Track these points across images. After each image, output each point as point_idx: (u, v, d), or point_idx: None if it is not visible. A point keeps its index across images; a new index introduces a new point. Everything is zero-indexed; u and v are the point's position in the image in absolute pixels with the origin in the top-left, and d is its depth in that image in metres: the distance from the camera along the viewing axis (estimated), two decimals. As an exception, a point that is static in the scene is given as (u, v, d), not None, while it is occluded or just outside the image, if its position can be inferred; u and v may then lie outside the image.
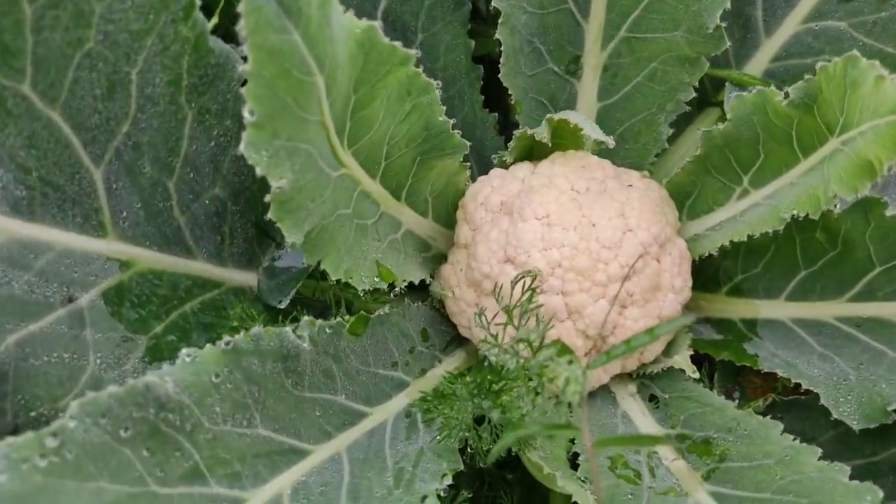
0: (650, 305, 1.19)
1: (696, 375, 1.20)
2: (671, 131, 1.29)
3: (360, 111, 0.98)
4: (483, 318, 1.06)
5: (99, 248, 1.02)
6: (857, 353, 1.18)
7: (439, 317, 1.27)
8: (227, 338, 0.93)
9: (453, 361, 1.23)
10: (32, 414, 0.93)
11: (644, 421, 1.20)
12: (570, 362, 0.76)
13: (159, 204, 1.04)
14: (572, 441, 1.14)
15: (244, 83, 0.81)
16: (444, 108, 1.08)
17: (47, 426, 0.79)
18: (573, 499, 0.99)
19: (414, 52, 0.95)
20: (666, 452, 1.12)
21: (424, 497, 0.97)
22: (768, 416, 1.14)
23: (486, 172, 1.25)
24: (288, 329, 0.99)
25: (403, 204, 1.17)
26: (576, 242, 1.14)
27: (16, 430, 0.93)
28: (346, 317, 1.10)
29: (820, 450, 1.06)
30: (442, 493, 0.99)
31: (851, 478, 1.02)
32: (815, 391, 1.16)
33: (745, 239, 1.17)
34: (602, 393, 1.26)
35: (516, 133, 1.21)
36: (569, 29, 1.25)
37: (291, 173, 0.90)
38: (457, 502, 1.07)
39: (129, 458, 0.83)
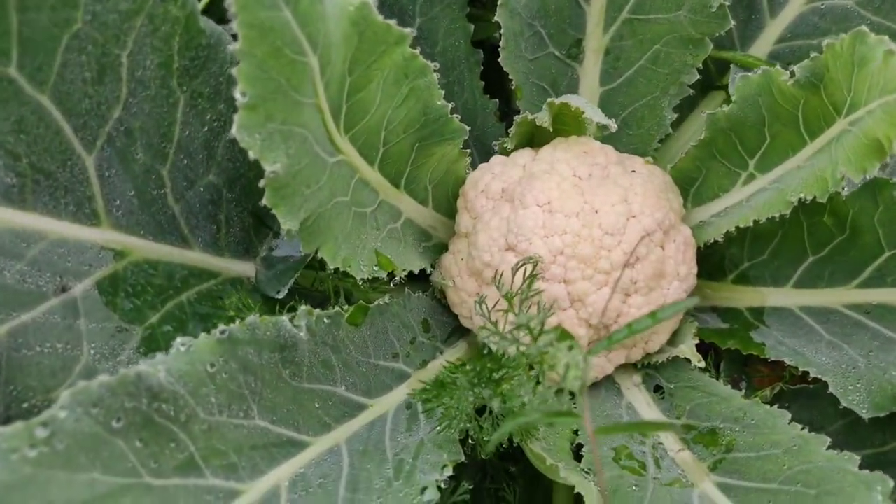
0: (654, 293, 1.17)
1: (702, 364, 1.18)
2: (675, 116, 1.27)
3: (355, 94, 0.97)
4: (483, 306, 1.04)
5: (93, 238, 1.00)
6: (866, 341, 1.16)
7: (440, 307, 1.26)
8: (222, 326, 0.91)
9: (455, 352, 1.22)
10: (25, 405, 0.92)
11: (649, 411, 1.18)
12: (571, 348, 0.74)
13: (153, 192, 1.02)
14: (576, 432, 1.12)
15: (237, 64, 0.79)
16: (443, 92, 1.07)
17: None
18: (576, 490, 0.97)
19: (410, 32, 0.93)
20: (671, 443, 1.11)
21: (424, 488, 0.96)
22: (775, 406, 1.13)
23: (487, 160, 1.24)
24: (285, 318, 0.98)
25: (403, 192, 1.15)
26: (578, 229, 1.12)
27: (7, 422, 0.91)
28: (345, 307, 1.09)
29: (829, 439, 1.04)
30: (442, 485, 0.98)
31: (861, 467, 1.00)
32: (823, 379, 1.14)
33: (752, 224, 1.15)
34: (606, 384, 1.24)
35: (517, 118, 1.20)
36: (570, 11, 1.23)
37: (286, 157, 0.88)
38: (457, 494, 1.05)
39: (122, 449, 0.81)
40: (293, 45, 0.81)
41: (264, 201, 0.90)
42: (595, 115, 1.15)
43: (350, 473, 0.98)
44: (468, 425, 0.99)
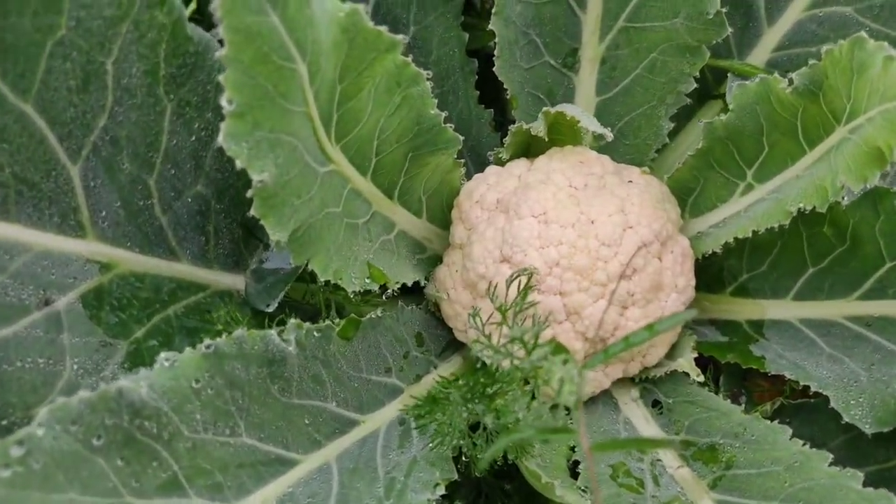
0: (652, 306, 1.15)
1: (701, 378, 1.16)
2: (672, 125, 1.26)
3: (346, 102, 0.95)
4: (478, 318, 1.02)
5: (78, 250, 0.98)
6: (867, 354, 1.14)
7: (434, 320, 1.24)
8: (207, 341, 0.89)
9: (449, 367, 1.20)
10: (4, 422, 0.89)
11: (647, 427, 1.16)
12: (566, 362, 0.72)
13: (140, 202, 1.00)
14: (573, 449, 1.11)
15: (224, 71, 0.78)
16: (436, 101, 1.05)
17: (18, 435, 0.76)
18: (573, 508, 0.95)
19: (401, 38, 0.92)
20: (670, 460, 1.09)
21: (416, 507, 0.93)
22: (776, 421, 1.11)
23: (482, 170, 1.23)
24: (273, 332, 0.96)
25: (396, 203, 1.13)
26: (574, 240, 1.11)
27: (-14, 439, 0.89)
28: (337, 320, 1.07)
29: (831, 455, 1.03)
30: (434, 504, 0.95)
31: (865, 484, 0.99)
32: (824, 394, 1.13)
33: (750, 235, 1.14)
34: (603, 398, 1.22)
35: (512, 128, 1.18)
36: (565, 20, 1.22)
37: (274, 167, 0.86)
38: (451, 513, 1.03)
39: (103, 468, 0.79)
40: (281, 51, 0.80)
41: (252, 212, 0.88)
42: (591, 124, 1.13)
43: (340, 492, 0.96)
44: (461, 442, 0.97)
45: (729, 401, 1.18)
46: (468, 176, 1.23)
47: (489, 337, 0.92)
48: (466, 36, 1.27)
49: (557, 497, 0.96)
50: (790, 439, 1.07)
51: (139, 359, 0.98)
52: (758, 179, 1.15)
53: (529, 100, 1.26)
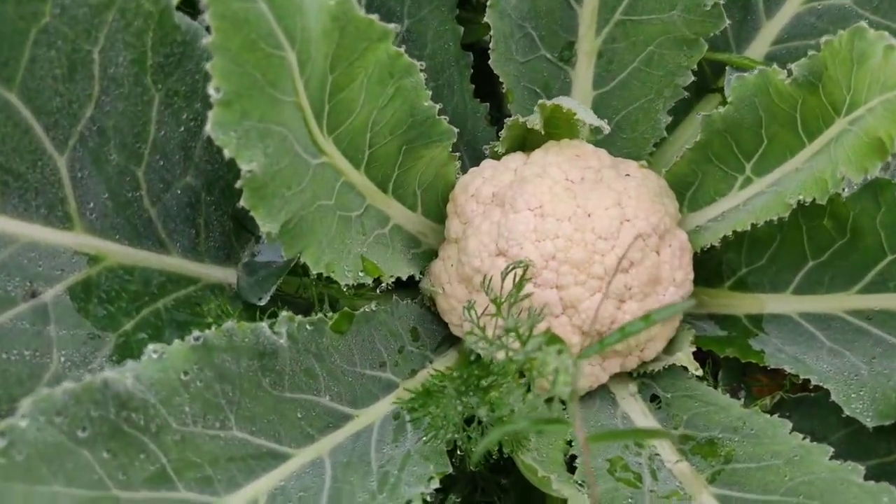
0: (650, 300, 1.14)
1: (700, 372, 1.15)
2: (669, 119, 1.25)
3: (338, 93, 0.94)
4: (473, 311, 1.01)
5: (65, 242, 0.97)
6: (868, 347, 1.14)
7: (430, 315, 1.23)
8: (196, 333, 0.87)
9: (445, 362, 1.19)
10: (-11, 415, 0.88)
11: (645, 421, 1.15)
12: (560, 352, 0.71)
13: (128, 194, 0.99)
14: (569, 443, 1.09)
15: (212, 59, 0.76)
16: (431, 93, 1.04)
17: (0, 427, 0.74)
18: (569, 503, 0.93)
19: (393, 27, 0.90)
20: (668, 454, 1.07)
21: (409, 501, 0.92)
22: (776, 415, 1.10)
23: (478, 165, 1.21)
24: (264, 325, 0.94)
25: (391, 197, 1.12)
26: (570, 233, 1.10)
27: (-29, 433, 0.87)
28: (330, 314, 1.05)
29: (831, 449, 1.02)
30: (428, 498, 0.94)
31: (866, 478, 0.97)
32: (825, 387, 1.12)
33: (749, 228, 1.13)
34: (601, 393, 1.21)
35: (508, 121, 1.17)
36: (561, 13, 1.21)
37: (264, 157, 0.85)
38: (445, 507, 1.02)
39: (88, 460, 0.77)
40: (269, 39, 0.79)
41: (242, 202, 0.87)
42: (587, 116, 1.12)
43: (332, 486, 0.94)
44: (456, 436, 0.96)
45: (728, 395, 1.17)
46: (464, 170, 1.22)
47: (483, 329, 0.91)
48: (461, 29, 1.26)
49: (554, 491, 0.95)
50: (790, 433, 1.06)
51: (128, 351, 0.97)
52: (757, 173, 1.14)
53: (525, 94, 1.25)
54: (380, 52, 0.94)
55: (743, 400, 1.20)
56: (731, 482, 1.02)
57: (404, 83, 1.00)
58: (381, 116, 1.02)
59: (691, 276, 1.19)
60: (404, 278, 1.16)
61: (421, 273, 1.21)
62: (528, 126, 1.15)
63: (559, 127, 1.19)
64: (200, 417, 0.87)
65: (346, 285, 1.05)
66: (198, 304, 1.04)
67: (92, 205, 0.97)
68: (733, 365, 1.24)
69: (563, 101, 1.13)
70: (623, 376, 1.22)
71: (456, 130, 1.11)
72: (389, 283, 1.13)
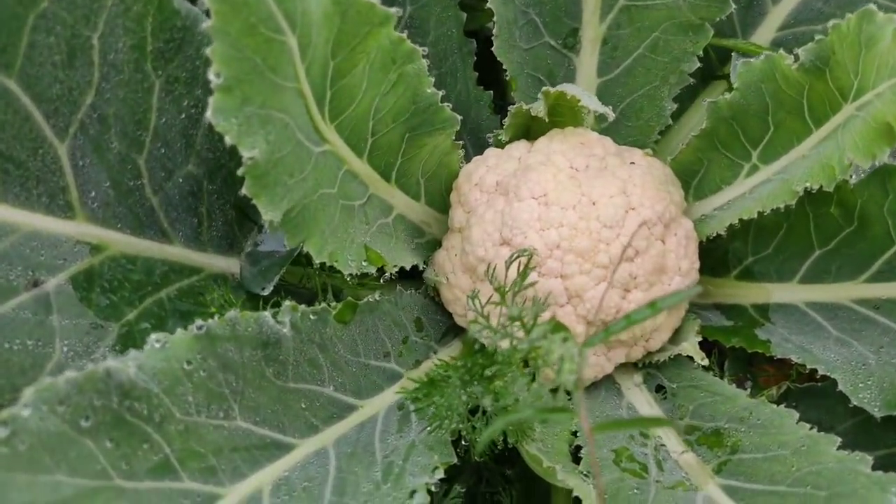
0: (655, 289, 1.14)
1: (706, 362, 1.14)
2: (675, 106, 1.24)
3: (340, 79, 0.93)
4: (477, 301, 1.00)
5: (67, 231, 0.96)
6: (876, 336, 1.13)
7: (434, 305, 1.23)
8: (199, 322, 0.87)
9: (449, 352, 1.18)
10: (-9, 405, 0.88)
11: (651, 412, 1.15)
12: (565, 340, 0.70)
13: (130, 182, 0.98)
14: (574, 434, 1.08)
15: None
16: (433, 80, 1.03)
17: (4, 417, 0.74)
18: (574, 493, 0.93)
19: (395, 11, 0.89)
20: (674, 445, 1.07)
21: (413, 492, 0.91)
22: (782, 405, 1.09)
23: (481, 153, 1.21)
24: (267, 314, 0.94)
25: (394, 186, 1.11)
26: (575, 222, 1.09)
27: (-26, 422, 0.87)
28: (333, 303, 1.05)
29: (839, 439, 1.01)
30: (433, 488, 0.94)
31: (874, 468, 0.96)
32: (832, 377, 1.11)
33: (756, 216, 1.12)
34: (606, 383, 1.20)
35: (511, 109, 1.16)
36: (565, -1, 1.20)
37: (265, 144, 0.84)
38: (449, 497, 1.01)
39: (91, 450, 0.77)
40: (269, 22, 0.78)
41: (244, 190, 0.86)
42: (592, 103, 1.11)
43: (337, 477, 0.94)
44: (460, 426, 0.95)
45: (734, 386, 1.16)
46: (467, 158, 1.21)
47: (487, 318, 0.90)
48: (464, 16, 1.25)
49: (559, 481, 0.94)
50: (797, 423, 1.05)
51: (131, 341, 0.97)
52: (763, 160, 1.13)
53: (529, 81, 1.24)
54: (382, 38, 0.92)
55: (749, 390, 1.19)
56: (738, 473, 1.01)
57: (407, 69, 0.99)
58: (384, 103, 1.01)
59: (697, 265, 1.18)
60: (408, 268, 1.15)
61: (425, 263, 1.20)
62: (532, 114, 1.14)
63: (563, 115, 1.18)
64: (204, 407, 0.87)
65: (350, 275, 1.04)
66: (201, 294, 1.03)
67: (93, 193, 0.96)
68: (739, 355, 1.23)
69: (568, 88, 1.12)
70: (628, 367, 1.22)
71: (459, 118, 1.10)
72: (393, 272, 1.12)
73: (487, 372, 0.89)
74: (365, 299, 1.10)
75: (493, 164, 1.17)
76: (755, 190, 1.15)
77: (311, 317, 1.01)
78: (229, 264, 1.08)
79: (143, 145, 0.96)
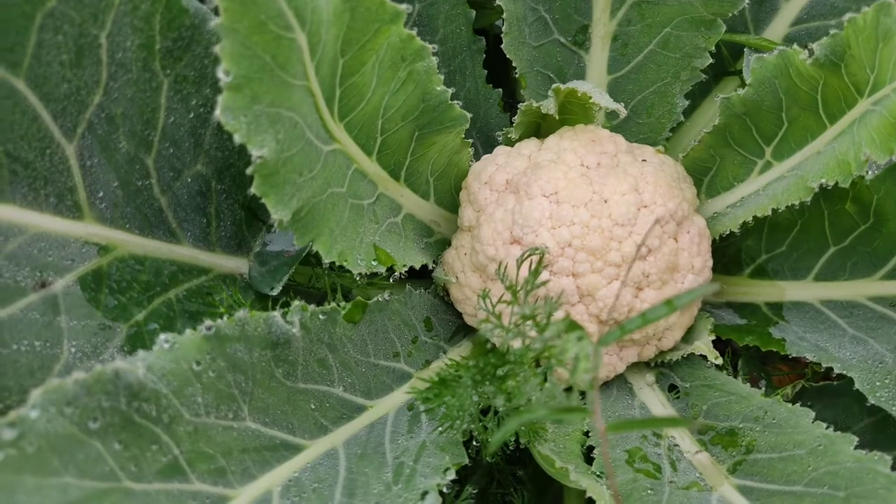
0: (668, 287, 1.12)
1: (719, 361, 1.13)
2: (687, 103, 1.22)
3: (349, 77, 0.92)
4: (488, 300, 0.99)
5: (75, 232, 0.95)
6: (892, 334, 1.12)
7: (443, 305, 1.22)
8: (208, 322, 0.86)
9: (460, 352, 1.17)
10: (0, 406, 0.87)
11: (663, 412, 1.14)
12: (580, 339, 0.69)
13: (138, 183, 0.97)
14: (586, 434, 1.07)
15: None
16: (443, 77, 1.02)
17: (10, 418, 0.73)
18: (587, 494, 0.92)
19: (405, 8, 0.88)
20: (687, 445, 1.05)
21: (425, 493, 0.90)
22: (797, 404, 1.07)
23: (490, 152, 1.20)
24: (276, 314, 0.93)
25: (403, 185, 1.11)
26: (587, 220, 1.07)
27: (-18, 424, 0.86)
28: (342, 303, 1.04)
29: (856, 438, 0.99)
30: (444, 489, 0.93)
31: (892, 468, 0.95)
32: (848, 375, 1.10)
33: (770, 213, 1.10)
34: (618, 383, 1.19)
35: (521, 107, 1.15)
36: (575, -5, 1.19)
37: (275, 142, 0.84)
38: (461, 499, 1.00)
39: (99, 452, 0.76)
40: (278, 20, 0.77)
41: (253, 189, 0.85)
42: (603, 99, 1.10)
43: (347, 478, 0.93)
44: (472, 426, 0.94)
45: (748, 385, 1.15)
46: (476, 157, 1.20)
47: (499, 317, 0.89)
48: (473, 13, 1.24)
49: (572, 482, 0.93)
50: (813, 423, 1.03)
51: (139, 342, 0.96)
52: (776, 157, 1.12)
53: (539, 79, 1.23)
54: (391, 35, 0.92)
55: (763, 389, 1.17)
56: (753, 473, 1.00)
57: (416, 67, 0.98)
58: (393, 101, 1.00)
59: (710, 263, 1.17)
60: (417, 268, 1.15)
61: (434, 262, 1.19)
62: (543, 111, 1.12)
63: (574, 112, 1.17)
64: (213, 408, 0.86)
65: (359, 274, 1.04)
66: (209, 295, 1.02)
67: (101, 194, 0.95)
68: (753, 354, 1.22)
69: (579, 85, 1.11)
70: (640, 366, 1.20)
71: (469, 115, 1.09)
72: (402, 272, 1.11)
73: (499, 372, 0.88)
74: (374, 299, 1.09)
75: (502, 162, 1.16)
76: (769, 187, 1.13)
77: (321, 317, 1.00)
78: (238, 264, 1.08)
79: (152, 145, 0.96)
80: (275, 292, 1.06)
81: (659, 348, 1.18)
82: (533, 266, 0.96)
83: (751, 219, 1.13)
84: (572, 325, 0.73)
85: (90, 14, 0.87)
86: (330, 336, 1.01)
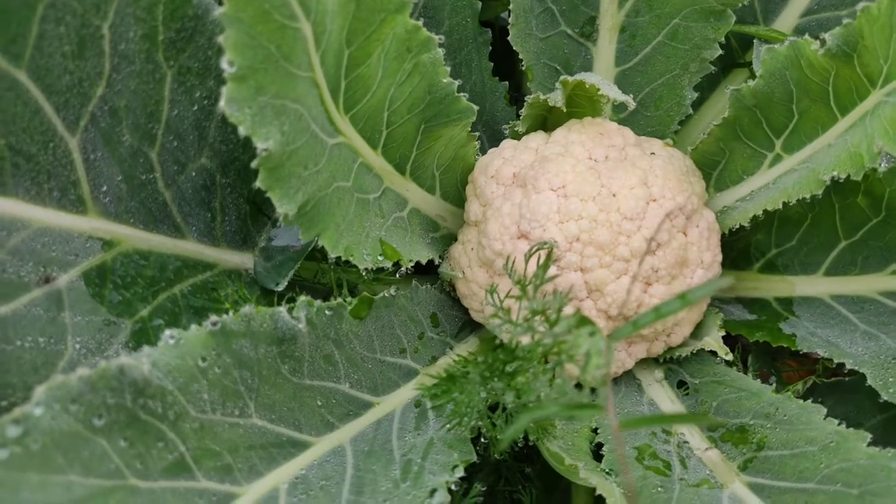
0: (677, 282, 1.11)
1: (730, 357, 1.12)
2: (695, 95, 1.21)
3: (355, 69, 0.91)
4: (495, 295, 0.98)
5: (79, 226, 0.94)
6: (905, 330, 1.09)
7: (450, 300, 1.21)
8: (214, 318, 0.85)
9: (466, 348, 1.16)
10: (4, 403, 0.86)
11: (672, 408, 1.13)
12: (593, 334, 0.68)
13: (142, 176, 0.96)
14: (595, 431, 1.06)
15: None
16: (449, 69, 1.01)
17: (14, 415, 0.72)
18: (597, 492, 0.90)
19: (410, -1, 0.87)
20: (697, 442, 1.04)
21: (434, 490, 0.89)
22: (808, 401, 1.06)
23: (497, 145, 1.18)
24: (282, 309, 0.92)
25: (408, 179, 1.09)
26: (595, 214, 1.06)
27: (-15, 421, 0.85)
28: (349, 299, 1.03)
29: (869, 435, 0.98)
30: (453, 487, 0.92)
31: (906, 465, 0.93)
32: (860, 371, 1.08)
33: (780, 207, 1.09)
34: (626, 379, 1.18)
35: (528, 99, 1.14)
36: (582, -13, 1.17)
37: (280, 134, 0.82)
38: (469, 497, 0.99)
39: (105, 449, 0.75)
40: (283, 9, 0.76)
41: (258, 183, 0.84)
42: (612, 91, 1.08)
43: (354, 475, 0.92)
44: (480, 423, 0.93)
45: (758, 381, 1.13)
46: (482, 151, 1.19)
47: (508, 311, 0.87)
48: (479, 5, 1.23)
49: (581, 480, 0.92)
50: (825, 419, 1.02)
51: (144, 338, 0.95)
52: (787, 150, 1.11)
53: (545, 71, 1.22)
54: (397, 25, 0.90)
55: (774, 386, 1.16)
56: (764, 470, 0.99)
57: (422, 58, 0.97)
58: (399, 94, 0.99)
59: (719, 257, 1.16)
60: (424, 263, 1.14)
61: (440, 257, 1.18)
62: (550, 104, 1.11)
63: (581, 105, 1.15)
64: (219, 405, 0.85)
65: (365, 270, 1.03)
66: (214, 290, 1.01)
67: (105, 188, 0.94)
68: (763, 350, 1.21)
69: (587, 77, 1.09)
70: (649, 362, 1.19)
71: (476, 108, 1.07)
72: (409, 267, 1.10)
73: (508, 368, 0.87)
74: (380, 294, 1.08)
75: (509, 155, 1.15)
76: (779, 180, 1.12)
77: (327, 312, 0.99)
78: (243, 260, 1.07)
79: (156, 138, 0.94)
80: (280, 288, 1.05)
81: (668, 344, 1.17)
82: (541, 261, 0.95)
83: (761, 212, 1.12)
84: (584, 321, 0.72)
85: (92, 4, 0.86)
86: (336, 332, 1.00)
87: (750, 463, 1.01)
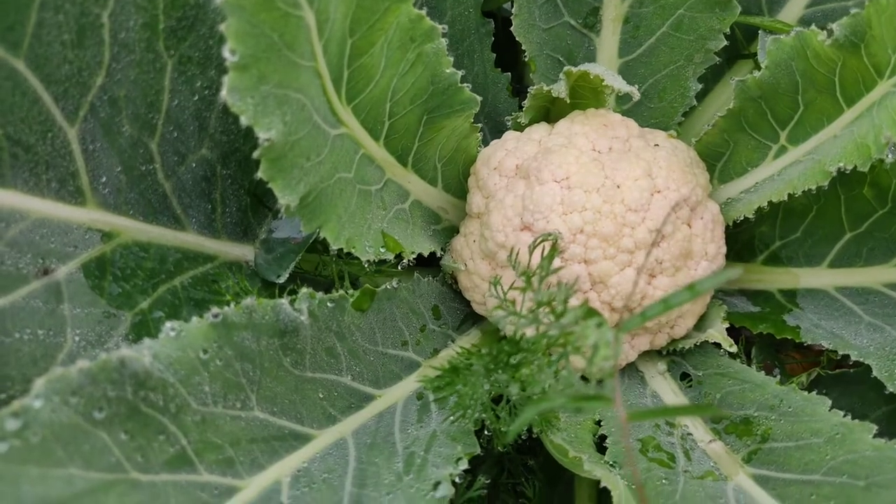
0: (681, 274, 1.10)
1: (733, 349, 1.11)
2: (700, 86, 1.20)
3: (358, 59, 0.90)
4: (499, 287, 0.97)
5: (78, 218, 0.93)
6: (910, 322, 1.09)
7: (451, 293, 1.20)
8: (215, 310, 0.84)
9: (468, 340, 1.16)
10: (3, 396, 0.85)
11: (675, 401, 1.12)
12: (600, 325, 0.67)
13: (142, 167, 0.95)
14: (598, 423, 1.05)
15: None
16: (452, 59, 0.99)
17: (13, 408, 0.71)
18: (602, 484, 0.90)
19: (414, -15, 0.86)
20: (701, 434, 1.04)
21: (437, 483, 0.89)
22: (813, 392, 1.05)
23: (499, 137, 1.17)
24: (284, 301, 0.91)
25: (410, 171, 1.08)
26: (599, 206, 1.05)
27: (-16, 414, 0.84)
28: (350, 291, 1.02)
29: (875, 427, 0.98)
30: (457, 479, 0.91)
31: (913, 457, 0.93)
32: (865, 363, 1.08)
33: (785, 198, 1.08)
34: (629, 371, 1.18)
35: (531, 90, 1.13)
36: (586, -23, 1.16)
37: (282, 125, 0.81)
38: (473, 489, 0.98)
39: (105, 442, 0.74)
40: (286, -4, 0.74)
41: (260, 174, 0.83)
42: (616, 82, 1.08)
43: (357, 468, 0.91)
44: (483, 415, 0.92)
45: (762, 373, 1.13)
46: (485, 142, 1.18)
47: (513, 303, 0.87)
48: (482, -6, 1.22)
49: (585, 472, 0.91)
50: (830, 411, 1.02)
51: (144, 330, 0.94)
52: (792, 141, 1.10)
53: (548, 62, 1.21)
54: (401, 14, 0.89)
55: (778, 377, 1.16)
56: (769, 462, 0.98)
57: (426, 48, 0.96)
58: (402, 84, 0.98)
59: (723, 249, 1.15)
60: (426, 255, 1.13)
61: (442, 250, 1.17)
62: (553, 95, 1.10)
63: (585, 96, 1.14)
64: (221, 397, 0.84)
65: (367, 262, 1.02)
66: (215, 282, 1.00)
67: (105, 179, 0.93)
68: (766, 342, 1.20)
69: (591, 68, 1.08)
70: (652, 354, 1.19)
71: (479, 98, 1.06)
72: (411, 259, 1.09)
73: (513, 360, 0.86)
74: (382, 287, 1.07)
75: (512, 147, 1.14)
76: (784, 172, 1.11)
77: (329, 304, 0.98)
78: (244, 252, 1.06)
79: (156, 128, 0.93)
80: (281, 280, 1.04)
81: (671, 336, 1.17)
82: (545, 252, 0.94)
83: (765, 204, 1.11)
84: (591, 312, 0.71)
85: (91, -9, 0.85)
86: (338, 324, 0.99)
87: (754, 455, 1.00)
